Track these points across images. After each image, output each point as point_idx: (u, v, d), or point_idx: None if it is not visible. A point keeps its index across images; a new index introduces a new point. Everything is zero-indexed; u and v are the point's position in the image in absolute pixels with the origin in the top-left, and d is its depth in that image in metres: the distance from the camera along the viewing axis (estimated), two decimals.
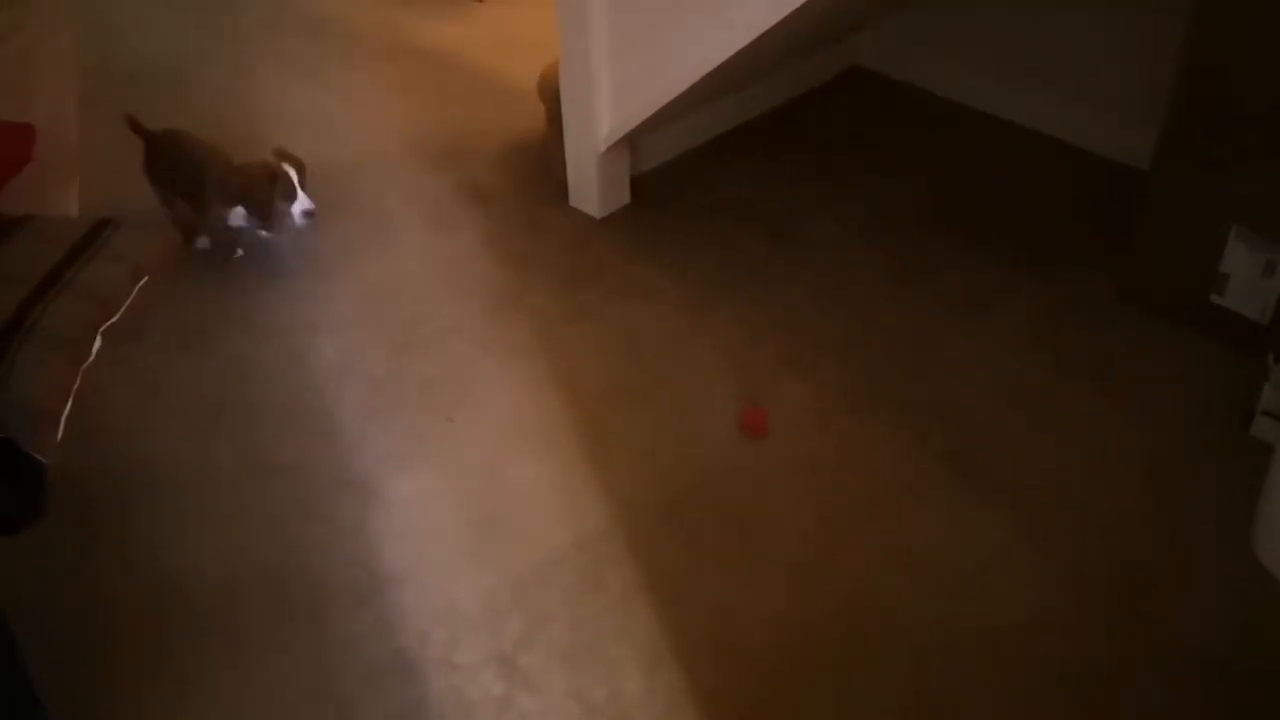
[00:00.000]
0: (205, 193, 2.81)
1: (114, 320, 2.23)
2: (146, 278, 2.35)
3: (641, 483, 2.30)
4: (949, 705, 1.88)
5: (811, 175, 3.27)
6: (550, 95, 3.10)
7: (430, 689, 1.91)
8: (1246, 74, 2.29)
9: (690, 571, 2.12)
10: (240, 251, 2.99)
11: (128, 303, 2.28)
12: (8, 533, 1.82)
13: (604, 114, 2.90)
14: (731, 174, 3.29)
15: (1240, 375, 2.43)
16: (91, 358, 2.15)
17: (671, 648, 1.97)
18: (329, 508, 2.24)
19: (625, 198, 3.16)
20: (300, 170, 2.77)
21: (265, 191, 2.73)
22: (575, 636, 2.00)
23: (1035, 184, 3.21)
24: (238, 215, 2.82)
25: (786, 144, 3.43)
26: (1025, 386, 2.51)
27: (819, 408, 2.47)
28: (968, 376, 2.54)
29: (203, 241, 3.00)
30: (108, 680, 1.94)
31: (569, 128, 3.02)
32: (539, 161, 3.34)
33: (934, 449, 2.36)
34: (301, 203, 2.75)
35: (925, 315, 2.73)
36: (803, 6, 2.24)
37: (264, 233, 2.89)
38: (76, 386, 2.08)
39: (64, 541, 2.15)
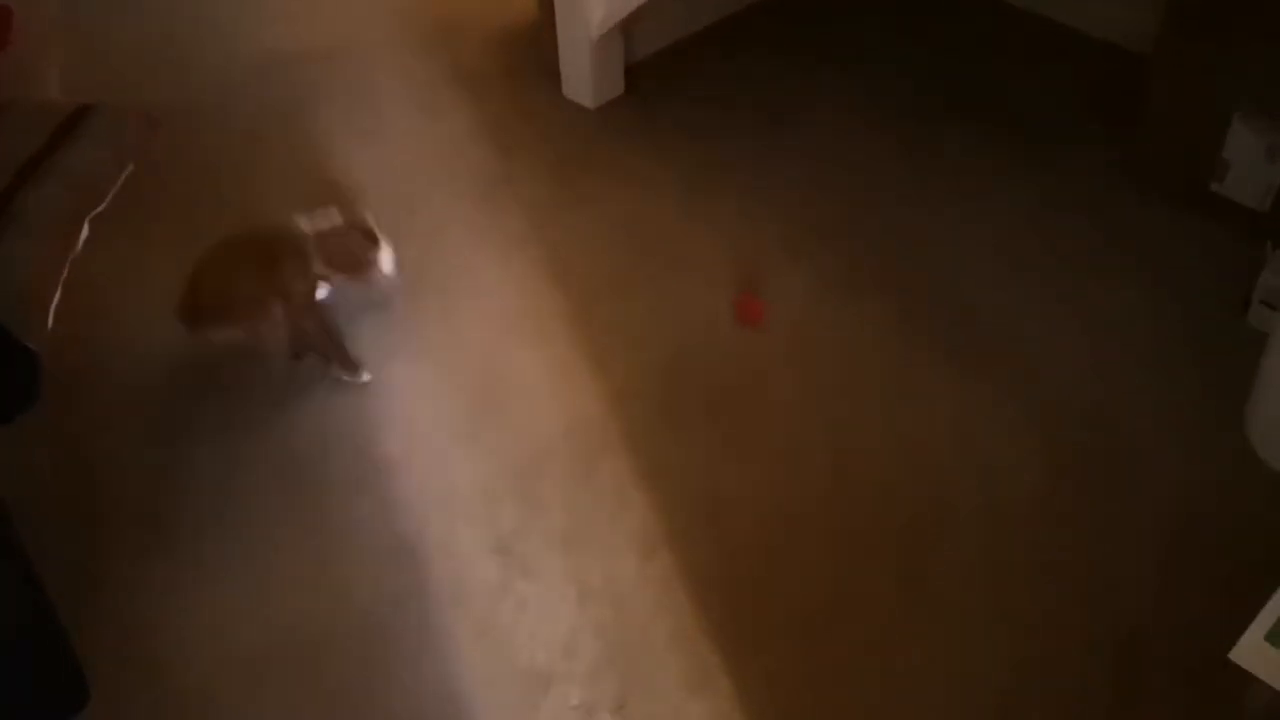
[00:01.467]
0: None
1: (101, 209, 2.20)
2: (132, 166, 2.31)
3: (636, 371, 2.30)
4: (941, 585, 1.90)
5: (809, 61, 3.20)
6: None
7: (429, 574, 1.94)
8: None
9: (685, 458, 2.13)
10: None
11: (114, 190, 2.24)
12: (2, 420, 1.82)
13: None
14: (727, 61, 3.21)
15: (1239, 262, 2.41)
16: (79, 247, 2.12)
17: (666, 533, 1.99)
18: (325, 394, 2.24)
19: (619, 88, 3.09)
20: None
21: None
22: (571, 522, 2.02)
23: (1036, 68, 3.14)
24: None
25: (783, 29, 3.35)
26: (1024, 270, 2.49)
27: (816, 293, 2.45)
28: (965, 260, 2.52)
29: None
30: (103, 560, 1.96)
31: (561, 14, 2.94)
32: (531, 46, 3.26)
33: (931, 333, 2.35)
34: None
35: (925, 200, 2.70)
36: None
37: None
38: (65, 275, 2.06)
39: (56, 428, 2.14)
